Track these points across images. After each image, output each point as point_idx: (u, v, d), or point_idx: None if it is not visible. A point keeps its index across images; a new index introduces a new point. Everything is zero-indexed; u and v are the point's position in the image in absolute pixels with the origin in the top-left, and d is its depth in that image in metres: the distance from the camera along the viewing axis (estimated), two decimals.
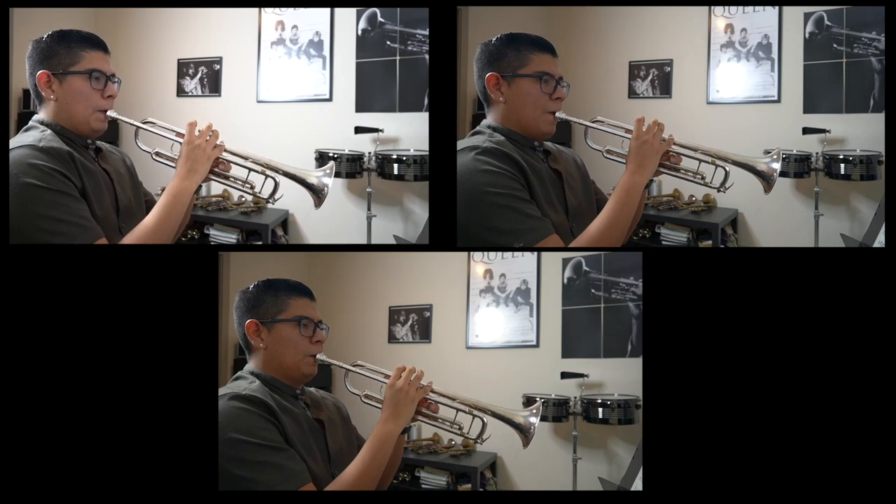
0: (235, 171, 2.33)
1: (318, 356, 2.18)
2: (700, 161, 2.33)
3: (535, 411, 2.21)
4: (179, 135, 2.27)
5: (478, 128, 2.35)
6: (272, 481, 1.99)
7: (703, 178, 2.33)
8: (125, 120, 2.30)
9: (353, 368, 2.24)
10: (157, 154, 2.32)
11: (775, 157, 2.32)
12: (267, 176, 2.32)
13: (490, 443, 2.23)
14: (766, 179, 2.32)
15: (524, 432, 2.19)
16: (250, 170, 2.31)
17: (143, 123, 2.32)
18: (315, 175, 2.34)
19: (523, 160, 2.26)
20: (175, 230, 2.25)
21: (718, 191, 2.33)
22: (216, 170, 2.29)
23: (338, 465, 2.15)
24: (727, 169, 2.32)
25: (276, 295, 2.18)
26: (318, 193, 2.34)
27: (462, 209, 2.26)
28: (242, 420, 2.03)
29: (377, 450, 2.08)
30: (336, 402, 2.33)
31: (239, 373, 2.18)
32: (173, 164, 2.28)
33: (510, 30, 2.37)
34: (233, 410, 2.04)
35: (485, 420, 2.19)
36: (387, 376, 2.17)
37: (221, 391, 2.11)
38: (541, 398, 3.56)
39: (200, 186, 2.31)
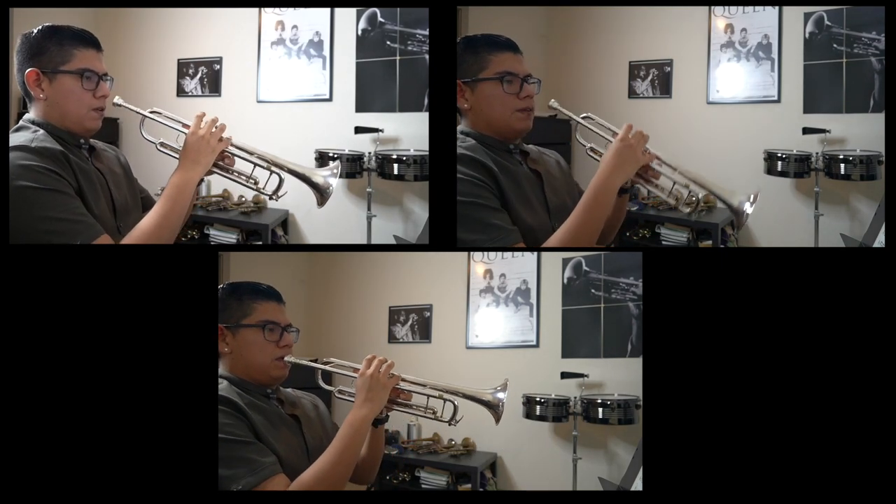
0: (240, 165, 2.32)
1: (286, 358, 2.18)
2: (675, 182, 2.29)
3: (501, 387, 2.23)
4: (185, 126, 2.25)
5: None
6: (239, 474, 2.01)
7: (676, 199, 2.30)
8: (131, 108, 2.28)
9: (322, 366, 2.25)
10: (162, 144, 2.29)
11: (752, 199, 2.26)
12: (272, 172, 2.31)
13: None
14: (738, 216, 2.28)
15: (493, 408, 2.23)
16: (255, 164, 2.30)
17: (150, 112, 2.30)
18: (321, 174, 2.34)
19: (495, 164, 2.23)
20: (180, 224, 2.22)
21: (689, 216, 2.32)
22: (220, 163, 2.27)
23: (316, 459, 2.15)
24: (699, 196, 2.29)
25: (241, 299, 2.19)
26: (322, 192, 2.34)
27: None
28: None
29: (351, 436, 2.09)
30: (313, 401, 2.34)
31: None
32: (176, 156, 2.25)
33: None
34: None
35: (455, 403, 2.21)
36: (356, 369, 2.18)
37: None
38: (540, 397, 3.57)
39: (202, 182, 2.30)
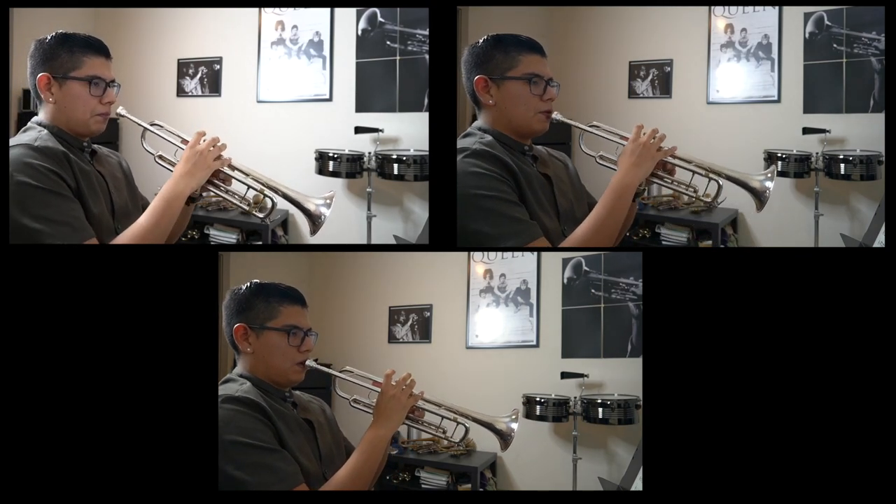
0: (234, 185, 2.33)
1: (306, 362, 2.18)
2: (693, 173, 2.31)
3: (514, 417, 2.26)
4: (185, 141, 2.28)
5: (468, 130, 2.34)
6: (266, 482, 2.01)
7: (695, 190, 2.31)
8: (134, 119, 2.32)
9: (342, 375, 2.25)
10: (160, 157, 2.32)
11: (770, 175, 2.29)
12: (265, 195, 2.32)
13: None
14: (759, 197, 2.29)
15: (504, 438, 2.26)
16: (249, 186, 2.31)
17: (151, 125, 2.33)
18: (314, 202, 2.35)
19: (513, 163, 2.25)
20: (168, 232, 2.24)
21: (710, 206, 2.33)
22: (214, 181, 2.29)
23: (328, 465, 2.17)
24: (720, 182, 2.29)
25: (268, 301, 2.18)
26: (314, 221, 2.35)
27: None
28: (237, 422, 2.04)
29: (369, 454, 2.12)
30: (321, 405, 2.35)
31: (228, 375, 2.19)
32: (173, 169, 2.28)
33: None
34: (227, 413, 2.06)
35: (467, 426, 2.23)
36: (376, 383, 2.20)
37: None
38: (540, 397, 3.57)
39: (200, 196, 2.30)
